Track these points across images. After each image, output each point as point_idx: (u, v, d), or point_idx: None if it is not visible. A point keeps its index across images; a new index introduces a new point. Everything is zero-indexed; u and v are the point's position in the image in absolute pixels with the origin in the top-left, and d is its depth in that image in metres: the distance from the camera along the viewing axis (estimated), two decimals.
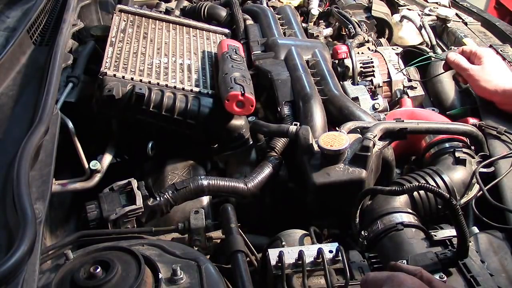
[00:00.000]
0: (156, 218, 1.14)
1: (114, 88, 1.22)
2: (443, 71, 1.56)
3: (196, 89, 1.33)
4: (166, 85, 1.31)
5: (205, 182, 1.16)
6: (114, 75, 1.27)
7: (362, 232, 1.08)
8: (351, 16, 2.07)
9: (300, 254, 0.91)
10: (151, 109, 1.26)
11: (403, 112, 1.48)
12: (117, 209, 1.09)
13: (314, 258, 0.92)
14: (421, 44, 2.01)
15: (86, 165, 1.23)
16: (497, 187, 1.15)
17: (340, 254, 0.92)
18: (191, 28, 1.66)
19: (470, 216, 1.17)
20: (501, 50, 1.73)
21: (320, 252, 0.92)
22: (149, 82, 1.29)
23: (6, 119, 1.09)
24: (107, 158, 1.30)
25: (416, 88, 1.68)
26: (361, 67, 1.71)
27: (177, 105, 1.27)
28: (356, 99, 1.56)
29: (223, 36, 1.71)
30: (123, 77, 1.28)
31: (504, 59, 1.67)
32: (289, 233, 1.08)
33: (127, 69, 1.32)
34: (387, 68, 1.71)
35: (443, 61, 1.54)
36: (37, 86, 1.19)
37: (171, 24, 1.64)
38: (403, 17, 2.07)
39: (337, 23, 2.15)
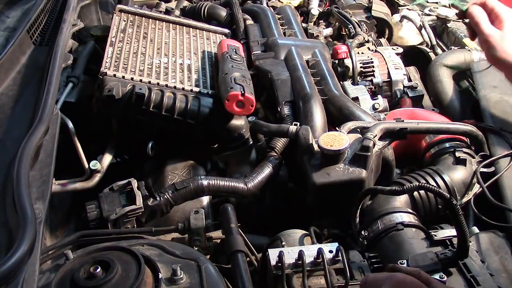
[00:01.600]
0: (156, 218, 1.14)
1: (114, 88, 1.22)
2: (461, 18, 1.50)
3: (196, 89, 1.33)
4: (166, 85, 1.31)
5: (205, 182, 1.16)
6: (114, 75, 1.27)
7: (362, 232, 1.08)
8: (351, 16, 2.07)
9: (300, 254, 0.91)
10: (151, 109, 1.25)
11: (403, 112, 1.48)
12: (117, 209, 1.09)
13: (314, 258, 0.92)
14: (421, 44, 2.01)
15: (86, 165, 1.23)
16: (497, 187, 1.15)
17: (340, 254, 0.92)
18: (191, 28, 1.66)
19: (470, 216, 1.17)
20: None
21: (320, 252, 0.92)
22: (149, 82, 1.29)
23: (6, 119, 1.09)
24: (107, 158, 1.30)
25: (416, 88, 1.69)
26: (361, 67, 1.71)
27: (177, 105, 1.27)
28: (356, 99, 1.56)
29: (223, 36, 1.71)
30: (123, 77, 1.28)
31: None
32: (289, 233, 1.08)
33: (127, 69, 1.32)
34: (387, 68, 1.71)
35: (460, 11, 1.43)
36: (37, 86, 1.18)
37: (171, 24, 1.64)
38: (403, 17, 2.07)
39: (337, 23, 2.16)
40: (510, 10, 1.29)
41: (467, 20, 1.35)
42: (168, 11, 1.82)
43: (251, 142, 1.37)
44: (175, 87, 1.31)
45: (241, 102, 1.24)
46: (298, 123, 1.25)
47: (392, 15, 2.16)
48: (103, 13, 1.91)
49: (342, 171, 1.12)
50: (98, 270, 0.79)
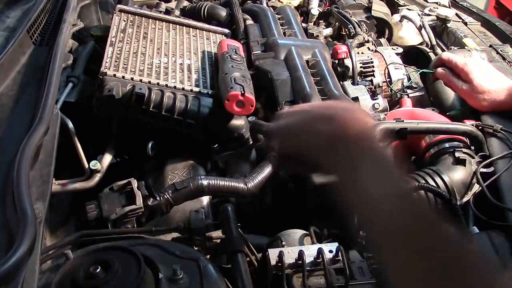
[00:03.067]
0: (156, 218, 1.14)
1: (114, 88, 1.22)
2: (431, 82, 1.60)
3: (196, 89, 1.33)
4: (166, 85, 1.31)
5: (205, 182, 1.15)
6: (114, 75, 1.27)
7: (362, 232, 1.08)
8: (351, 16, 2.07)
9: (300, 254, 0.91)
10: (151, 109, 1.25)
11: (403, 112, 1.48)
12: (117, 209, 1.09)
13: (314, 258, 0.92)
14: (421, 44, 2.01)
15: (86, 165, 1.23)
16: (496, 188, 1.15)
17: (340, 254, 0.93)
18: (191, 28, 1.66)
19: (470, 216, 1.17)
20: (501, 50, 1.73)
21: (320, 252, 0.92)
22: (149, 82, 1.29)
23: (6, 119, 1.09)
24: (107, 158, 1.30)
25: (416, 88, 1.69)
26: (361, 67, 1.71)
27: (177, 105, 1.27)
28: (356, 99, 1.56)
29: (223, 36, 1.71)
30: (123, 77, 1.28)
31: (504, 59, 1.68)
32: (289, 233, 1.08)
33: (127, 69, 1.32)
34: (387, 68, 1.72)
35: (431, 75, 1.57)
36: (37, 86, 1.18)
37: (171, 24, 1.64)
38: (403, 17, 2.07)
39: (337, 23, 2.15)
40: (468, 59, 1.45)
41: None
42: (168, 11, 1.82)
43: (251, 142, 1.37)
44: (175, 87, 1.31)
45: (241, 102, 1.24)
46: None
47: (392, 15, 2.16)
48: (103, 13, 1.91)
49: None
50: (98, 270, 0.78)
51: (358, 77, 1.69)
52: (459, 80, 1.44)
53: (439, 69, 1.51)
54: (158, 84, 1.30)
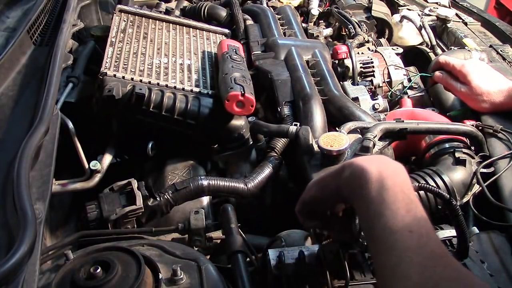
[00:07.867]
0: (156, 218, 1.15)
1: (114, 88, 1.22)
2: (430, 85, 1.59)
3: (196, 89, 1.33)
4: (166, 85, 1.31)
5: (205, 182, 1.16)
6: (114, 75, 1.27)
7: (362, 232, 1.07)
8: (351, 16, 2.07)
9: (300, 254, 0.91)
10: (151, 109, 1.26)
11: (403, 112, 1.48)
12: (117, 209, 1.09)
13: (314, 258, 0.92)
14: (421, 44, 2.01)
15: (86, 165, 1.23)
16: (496, 188, 1.15)
17: (340, 254, 0.92)
18: (191, 28, 1.66)
19: (470, 216, 1.17)
20: (501, 50, 1.73)
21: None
22: (149, 82, 1.29)
23: (6, 119, 1.09)
24: (107, 158, 1.30)
25: (416, 88, 1.69)
26: (361, 67, 1.71)
27: (177, 105, 1.27)
28: (356, 99, 1.56)
29: (223, 36, 1.71)
30: (123, 77, 1.28)
31: (504, 59, 1.68)
32: (289, 233, 1.08)
33: (127, 69, 1.32)
34: (387, 68, 1.72)
35: (430, 79, 1.56)
36: (37, 86, 1.19)
37: (171, 24, 1.64)
38: (403, 17, 2.07)
39: (337, 23, 2.16)
40: (465, 61, 1.46)
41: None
42: (168, 11, 1.82)
43: (251, 142, 1.37)
44: (175, 87, 1.31)
45: (241, 102, 1.24)
46: (298, 124, 1.25)
47: (392, 15, 2.16)
48: (103, 13, 1.91)
49: None
50: (98, 270, 0.79)
51: (358, 77, 1.69)
52: (458, 82, 1.44)
53: (437, 73, 1.51)
54: (158, 84, 1.30)
